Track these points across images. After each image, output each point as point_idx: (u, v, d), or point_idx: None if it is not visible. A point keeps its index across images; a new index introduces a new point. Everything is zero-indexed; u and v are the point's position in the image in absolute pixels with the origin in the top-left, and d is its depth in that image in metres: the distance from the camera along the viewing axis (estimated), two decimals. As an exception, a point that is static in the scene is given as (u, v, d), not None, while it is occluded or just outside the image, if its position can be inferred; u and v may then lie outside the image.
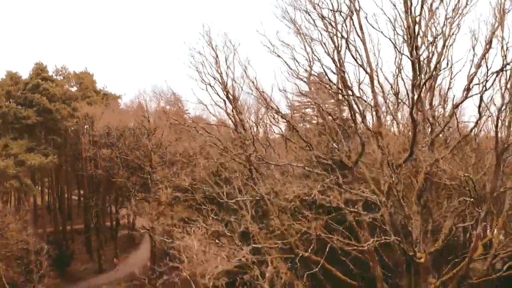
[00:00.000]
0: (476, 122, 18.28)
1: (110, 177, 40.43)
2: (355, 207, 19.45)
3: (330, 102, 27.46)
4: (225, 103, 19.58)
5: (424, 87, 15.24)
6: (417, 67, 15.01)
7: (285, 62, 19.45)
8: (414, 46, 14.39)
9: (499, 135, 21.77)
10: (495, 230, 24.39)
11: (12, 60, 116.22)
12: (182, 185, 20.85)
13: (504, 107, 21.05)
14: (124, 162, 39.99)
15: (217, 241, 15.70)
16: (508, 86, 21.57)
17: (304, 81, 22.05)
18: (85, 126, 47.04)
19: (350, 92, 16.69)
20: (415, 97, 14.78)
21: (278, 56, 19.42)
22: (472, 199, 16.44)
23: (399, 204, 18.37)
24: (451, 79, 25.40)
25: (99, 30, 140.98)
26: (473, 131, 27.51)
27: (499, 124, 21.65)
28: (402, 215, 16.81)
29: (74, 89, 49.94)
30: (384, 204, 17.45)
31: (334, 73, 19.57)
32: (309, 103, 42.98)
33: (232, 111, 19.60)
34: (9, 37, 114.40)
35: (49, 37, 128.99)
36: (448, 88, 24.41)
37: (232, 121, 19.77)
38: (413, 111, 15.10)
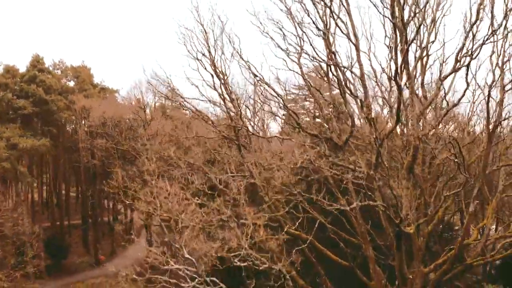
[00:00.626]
0: (464, 92, 18.20)
1: (106, 167, 40.38)
2: (344, 182, 19.36)
3: (326, 95, 27.49)
4: (212, 78, 19.61)
5: (408, 49, 15.16)
6: (401, 30, 14.90)
7: (276, 43, 19.29)
8: (396, 7, 14.30)
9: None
10: (490, 210, 24.25)
11: (10, 56, 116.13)
12: (168, 156, 20.74)
13: (494, 83, 21.06)
14: (121, 153, 40.00)
15: (196, 198, 15.58)
16: (499, 63, 21.66)
17: (294, 61, 22.00)
18: (83, 122, 47.15)
19: (336, 62, 16.60)
20: (399, 61, 14.68)
21: (271, 38, 19.27)
22: (456, 160, 16.29)
23: (386, 175, 18.27)
24: (443, 62, 25.56)
25: (96, 25, 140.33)
26: (467, 114, 27.27)
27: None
28: (390, 188, 16.67)
29: (71, 83, 50.14)
30: (372, 176, 17.32)
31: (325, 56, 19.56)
32: (306, 95, 42.92)
33: (221, 87, 19.60)
34: (6, 32, 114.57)
35: (46, 33, 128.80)
36: (441, 72, 24.47)
37: (220, 97, 19.76)
38: (397, 75, 15.00)
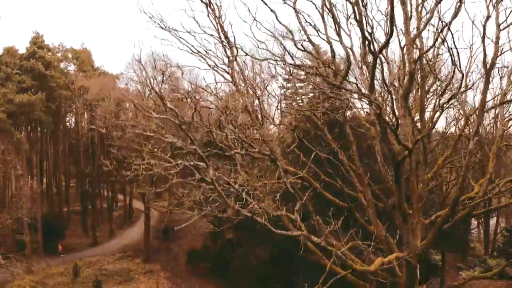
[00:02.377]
0: (458, 10, 18.09)
1: (104, 141, 40.10)
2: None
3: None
4: (207, 8, 19.57)
5: None
6: None
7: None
8: None
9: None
10: (491, 155, 23.90)
11: (9, 41, 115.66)
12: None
13: (488, 19, 21.00)
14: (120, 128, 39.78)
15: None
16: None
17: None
18: (84, 109, 47.27)
19: None
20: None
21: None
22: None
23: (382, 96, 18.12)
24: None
25: (96, 14, 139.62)
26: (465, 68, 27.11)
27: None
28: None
29: (71, 67, 50.48)
30: (368, 97, 17.17)
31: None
32: (305, 77, 42.93)
33: (215, 19, 19.58)
34: (6, 17, 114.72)
35: (45, 22, 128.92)
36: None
37: (213, 24, 19.66)
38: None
